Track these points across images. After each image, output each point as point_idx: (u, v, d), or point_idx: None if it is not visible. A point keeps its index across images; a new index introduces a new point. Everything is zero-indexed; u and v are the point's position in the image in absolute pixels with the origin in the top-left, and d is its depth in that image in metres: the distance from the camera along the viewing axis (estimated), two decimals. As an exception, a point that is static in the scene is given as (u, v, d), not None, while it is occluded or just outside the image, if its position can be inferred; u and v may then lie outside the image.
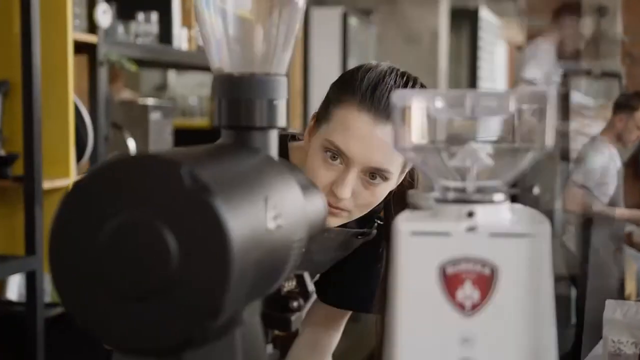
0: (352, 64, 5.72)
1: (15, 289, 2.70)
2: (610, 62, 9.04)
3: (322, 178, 1.24)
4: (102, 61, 2.68)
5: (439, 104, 0.70)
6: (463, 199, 0.69)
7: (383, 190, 1.27)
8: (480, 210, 0.68)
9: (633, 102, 4.15)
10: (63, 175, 2.54)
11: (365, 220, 1.40)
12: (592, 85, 7.16)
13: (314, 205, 0.83)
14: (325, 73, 4.39)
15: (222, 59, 0.82)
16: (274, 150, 0.82)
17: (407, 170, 1.32)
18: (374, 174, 1.24)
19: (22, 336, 2.35)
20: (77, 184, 0.62)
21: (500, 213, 0.68)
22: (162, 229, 0.59)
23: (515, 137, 0.69)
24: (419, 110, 0.70)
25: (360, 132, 1.21)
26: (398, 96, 0.70)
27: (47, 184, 2.45)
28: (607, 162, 4.14)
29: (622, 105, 4.15)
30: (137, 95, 4.42)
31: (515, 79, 4.27)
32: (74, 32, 2.58)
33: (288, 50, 0.84)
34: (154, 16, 3.08)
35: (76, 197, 0.62)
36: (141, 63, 3.18)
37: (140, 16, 3.07)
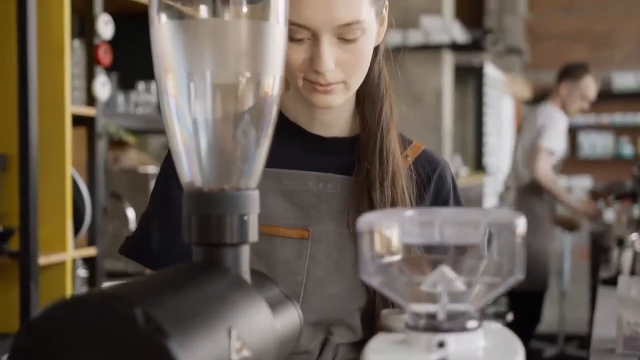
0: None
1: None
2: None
3: (295, 59, 1.13)
4: (101, 133, 2.69)
5: (407, 228, 0.68)
6: (434, 326, 0.66)
7: (365, 44, 1.14)
8: (451, 340, 0.65)
9: (577, 71, 4.26)
10: (60, 250, 2.52)
11: None
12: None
13: (286, 321, 0.81)
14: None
15: (192, 173, 0.81)
16: (245, 266, 0.79)
17: (385, 12, 1.21)
18: (347, 31, 1.12)
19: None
20: (29, 324, 0.60)
21: (473, 342, 0.66)
22: (113, 376, 0.57)
23: (488, 265, 0.67)
24: (385, 235, 0.68)
25: None
26: (364, 221, 0.68)
27: (43, 260, 2.43)
28: (565, 129, 4.27)
29: (567, 74, 4.28)
30: (144, 156, 4.43)
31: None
32: (73, 105, 2.59)
33: (259, 163, 0.82)
34: (154, 86, 3.10)
35: (29, 338, 0.60)
36: (142, 132, 3.18)
37: (141, 85, 3.09)
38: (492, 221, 0.66)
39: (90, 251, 2.73)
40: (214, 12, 0.85)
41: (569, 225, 4.76)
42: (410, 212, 0.70)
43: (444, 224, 0.67)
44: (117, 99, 2.94)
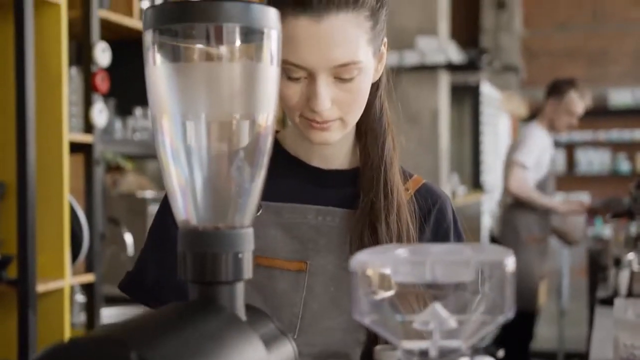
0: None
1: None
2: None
3: (291, 97, 1.14)
4: (98, 160, 2.70)
5: (399, 267, 0.69)
6: (426, 364, 0.67)
7: (362, 83, 1.15)
8: (443, 377, 0.66)
9: (563, 87, 4.31)
10: (58, 277, 2.52)
11: None
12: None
13: (281, 357, 0.82)
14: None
15: (187, 212, 0.82)
16: (240, 303, 0.80)
17: (383, 48, 1.21)
18: (343, 71, 1.12)
19: None
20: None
21: (465, 379, 0.67)
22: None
23: (479, 303, 0.68)
24: (378, 274, 0.69)
25: (305, 37, 1.09)
26: (357, 260, 0.69)
27: (41, 287, 2.43)
28: (545, 146, 4.29)
29: (552, 90, 4.33)
30: (142, 180, 4.44)
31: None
32: (70, 133, 2.60)
33: (254, 201, 0.83)
34: (152, 111, 3.11)
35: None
36: (139, 157, 3.19)
37: (138, 111, 3.10)
38: (483, 260, 0.67)
39: (89, 277, 2.73)
40: (208, 54, 0.86)
41: (565, 238, 4.77)
42: (402, 251, 0.71)
43: (435, 263, 0.68)
44: (114, 124, 2.96)
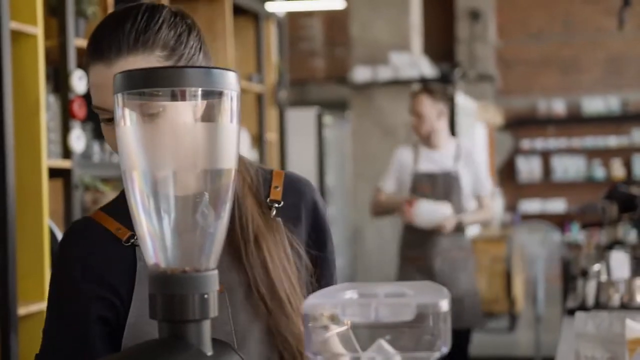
0: (328, 160, 5.84)
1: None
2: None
3: (109, 139, 1.20)
4: (77, 185, 2.76)
5: (347, 309, 0.77)
6: (372, 395, 0.75)
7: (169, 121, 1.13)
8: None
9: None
10: (39, 299, 2.58)
11: None
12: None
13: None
14: (303, 171, 4.47)
15: (157, 257, 0.89)
16: (206, 340, 0.88)
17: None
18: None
19: None
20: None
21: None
22: None
23: (419, 339, 0.76)
24: (328, 315, 0.77)
25: (101, 81, 1.18)
26: (308, 304, 0.77)
27: (22, 310, 2.49)
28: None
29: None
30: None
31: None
32: (49, 159, 2.66)
33: (218, 245, 0.91)
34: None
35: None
36: (118, 180, 3.25)
37: (115, 134, 3.16)
38: (421, 303, 0.75)
39: (69, 298, 2.79)
40: (173, 114, 0.94)
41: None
42: (349, 294, 0.79)
43: (379, 305, 0.76)
44: (92, 148, 3.02)
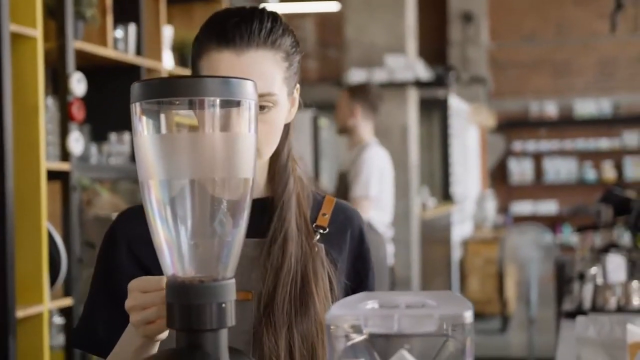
0: (323, 163, 5.84)
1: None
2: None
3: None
4: (75, 187, 2.75)
5: (370, 320, 0.77)
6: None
7: (276, 116, 1.22)
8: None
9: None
10: (37, 302, 2.58)
11: None
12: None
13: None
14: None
15: (175, 267, 0.89)
16: (223, 349, 0.88)
17: (296, 94, 1.28)
18: (260, 101, 1.15)
19: None
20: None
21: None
22: None
23: (441, 351, 0.76)
24: (350, 326, 0.77)
25: (227, 68, 1.18)
26: (331, 315, 0.77)
27: (20, 313, 2.49)
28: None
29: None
30: (116, 199, 4.47)
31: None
32: (48, 161, 2.66)
33: (235, 255, 0.91)
34: (127, 136, 3.18)
35: None
36: (115, 180, 3.25)
37: (113, 137, 3.16)
38: (444, 314, 0.75)
39: (67, 301, 2.79)
40: (191, 124, 0.94)
41: None
42: (370, 304, 0.79)
43: (402, 316, 0.76)
44: (90, 150, 3.02)
